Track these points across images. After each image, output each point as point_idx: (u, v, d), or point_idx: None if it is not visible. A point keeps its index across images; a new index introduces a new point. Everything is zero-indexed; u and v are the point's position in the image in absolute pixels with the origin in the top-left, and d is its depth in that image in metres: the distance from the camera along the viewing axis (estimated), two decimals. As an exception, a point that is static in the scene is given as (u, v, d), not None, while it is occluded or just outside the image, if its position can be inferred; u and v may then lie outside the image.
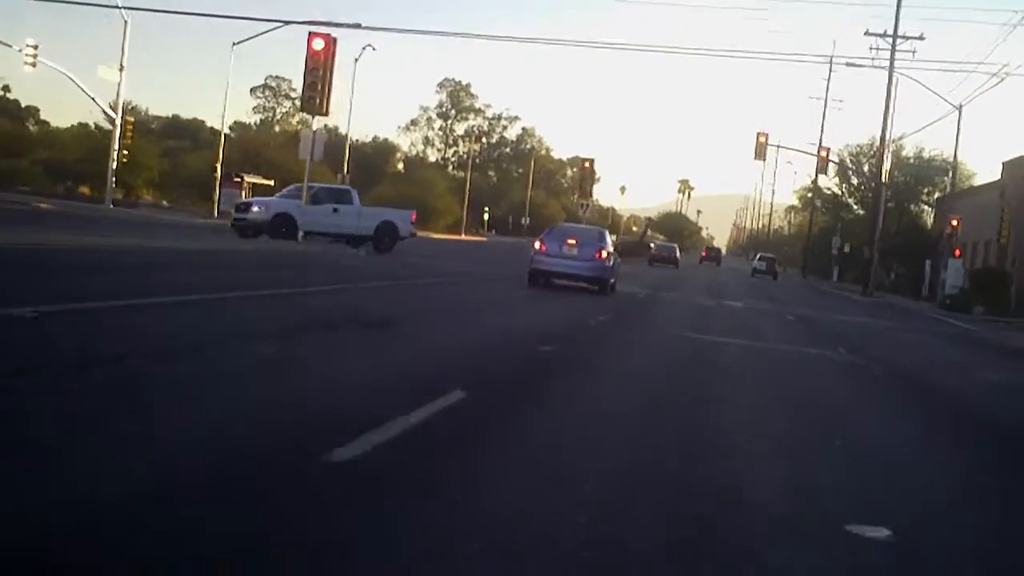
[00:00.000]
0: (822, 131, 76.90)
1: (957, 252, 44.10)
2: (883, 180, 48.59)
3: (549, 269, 22.18)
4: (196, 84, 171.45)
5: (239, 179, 54.82)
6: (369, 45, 68.80)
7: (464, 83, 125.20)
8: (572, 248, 21.94)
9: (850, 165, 65.34)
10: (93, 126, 63.75)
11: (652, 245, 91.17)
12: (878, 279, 50.34)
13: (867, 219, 65.59)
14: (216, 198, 51.95)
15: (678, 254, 67.69)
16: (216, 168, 51.95)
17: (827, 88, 73.55)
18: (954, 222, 44.09)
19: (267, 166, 66.77)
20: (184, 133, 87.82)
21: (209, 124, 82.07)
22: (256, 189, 57.60)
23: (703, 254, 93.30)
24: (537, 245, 22.55)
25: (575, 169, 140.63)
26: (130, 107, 74.95)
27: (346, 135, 72.57)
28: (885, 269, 59.23)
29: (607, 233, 24.39)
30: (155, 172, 58.87)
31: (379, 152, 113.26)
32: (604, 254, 22.13)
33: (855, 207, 70.48)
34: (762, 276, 64.51)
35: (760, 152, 46.94)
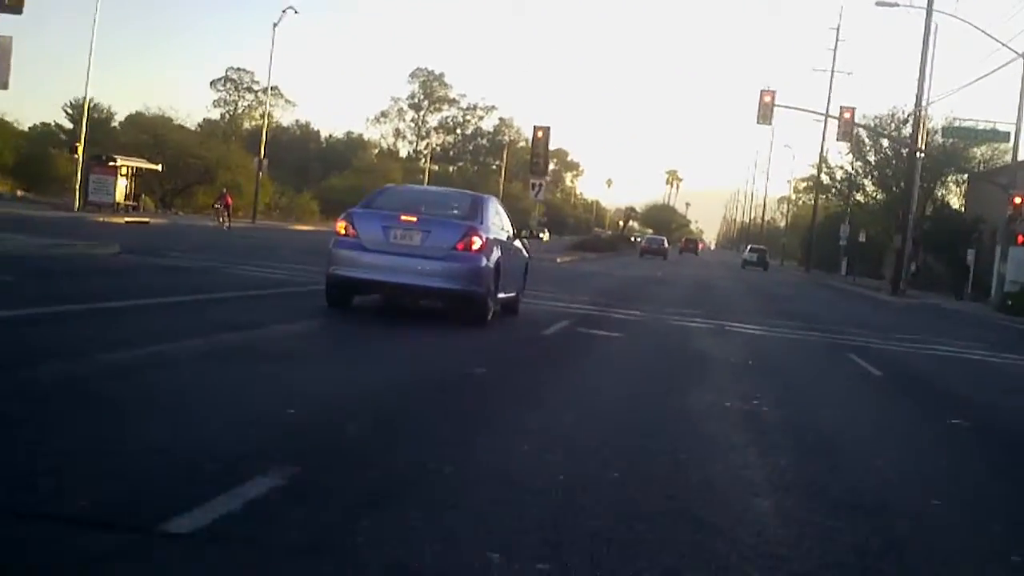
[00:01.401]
0: (829, 95, 66.77)
1: (1020, 238, 34.21)
2: (919, 148, 38.13)
3: (361, 276, 10.81)
4: (165, 78, 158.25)
5: (113, 162, 44.15)
6: (290, 7, 58.57)
7: (438, 72, 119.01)
8: (410, 232, 10.73)
9: (868, 137, 54.63)
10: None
11: (634, 239, 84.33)
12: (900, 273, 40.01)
13: (885, 202, 55.49)
14: (78, 185, 41.20)
15: (666, 245, 72.27)
16: (75, 148, 41.16)
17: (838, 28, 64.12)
18: (1017, 199, 33.91)
19: (174, 150, 57.28)
20: (146, 128, 77.68)
21: (177, 121, 71.24)
22: (140, 174, 47.32)
23: (682, 245, 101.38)
24: (340, 228, 11.07)
25: (555, 161, 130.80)
26: (92, 104, 65.68)
27: (267, 116, 62.05)
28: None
29: (491, 203, 12.28)
30: (8, 158, 48.38)
31: (350, 147, 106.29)
32: (476, 244, 10.76)
33: (871, 189, 59.88)
34: (753, 268, 65.27)
35: (765, 114, 36.42)
